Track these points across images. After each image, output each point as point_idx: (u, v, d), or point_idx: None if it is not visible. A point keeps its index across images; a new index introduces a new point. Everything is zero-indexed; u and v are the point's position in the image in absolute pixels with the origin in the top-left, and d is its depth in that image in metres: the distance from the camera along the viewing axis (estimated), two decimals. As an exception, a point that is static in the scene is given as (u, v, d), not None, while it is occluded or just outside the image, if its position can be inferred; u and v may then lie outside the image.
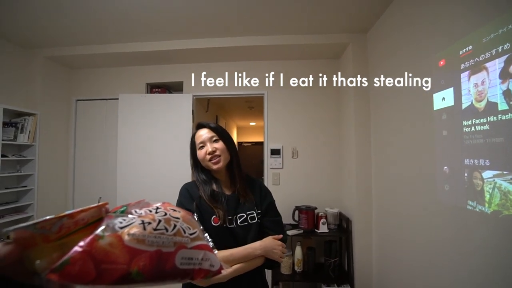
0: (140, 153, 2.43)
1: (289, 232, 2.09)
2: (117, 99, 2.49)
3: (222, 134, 1.02)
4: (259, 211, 1.01)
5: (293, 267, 2.14)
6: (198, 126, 1.05)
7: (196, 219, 0.44)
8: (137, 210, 0.37)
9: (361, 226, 2.05)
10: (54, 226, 0.30)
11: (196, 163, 1.04)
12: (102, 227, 0.32)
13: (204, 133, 1.01)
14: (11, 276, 0.29)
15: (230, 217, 0.95)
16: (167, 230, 0.35)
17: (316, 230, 2.12)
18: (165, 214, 0.38)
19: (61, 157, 2.61)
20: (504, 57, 0.90)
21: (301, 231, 2.12)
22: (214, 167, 0.98)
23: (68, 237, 0.31)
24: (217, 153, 0.98)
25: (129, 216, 0.35)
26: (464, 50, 1.08)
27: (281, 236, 0.98)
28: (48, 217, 0.30)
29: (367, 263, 2.03)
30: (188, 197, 0.98)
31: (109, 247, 0.30)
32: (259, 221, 1.00)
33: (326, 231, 2.10)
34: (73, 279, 0.27)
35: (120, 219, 0.34)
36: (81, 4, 1.72)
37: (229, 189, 1.04)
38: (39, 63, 2.40)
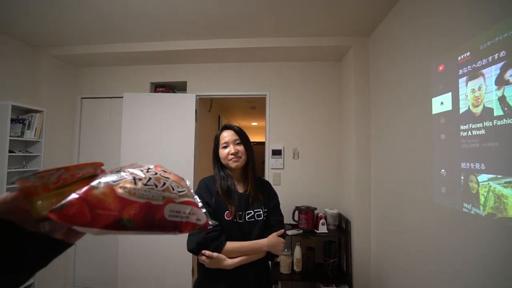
0: (143, 151, 2.46)
1: (289, 232, 2.11)
2: (122, 97, 2.53)
3: (244, 138, 1.15)
4: (265, 209, 1.14)
5: (292, 267, 2.16)
6: (224, 127, 1.17)
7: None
8: (130, 170, 0.40)
9: (360, 227, 2.07)
10: (52, 176, 0.34)
11: (217, 159, 1.16)
12: (97, 181, 0.35)
13: (228, 135, 1.13)
14: (19, 223, 0.33)
15: (240, 213, 1.08)
16: (156, 186, 0.38)
17: (315, 231, 2.15)
18: (156, 173, 0.41)
19: (66, 154, 2.66)
20: (500, 64, 0.92)
21: (301, 231, 2.15)
22: (233, 165, 1.11)
23: (65, 187, 0.35)
24: (239, 154, 1.12)
25: (122, 173, 0.38)
26: (462, 56, 1.11)
27: (283, 231, 1.13)
28: (46, 169, 0.34)
29: (365, 263, 2.06)
30: (206, 191, 1.10)
31: (103, 195, 0.33)
32: (264, 218, 1.13)
33: (326, 231, 2.13)
34: (70, 220, 0.30)
35: (113, 176, 0.37)
36: (87, 3, 1.76)
37: (241, 187, 1.16)
38: (46, 61, 2.44)
